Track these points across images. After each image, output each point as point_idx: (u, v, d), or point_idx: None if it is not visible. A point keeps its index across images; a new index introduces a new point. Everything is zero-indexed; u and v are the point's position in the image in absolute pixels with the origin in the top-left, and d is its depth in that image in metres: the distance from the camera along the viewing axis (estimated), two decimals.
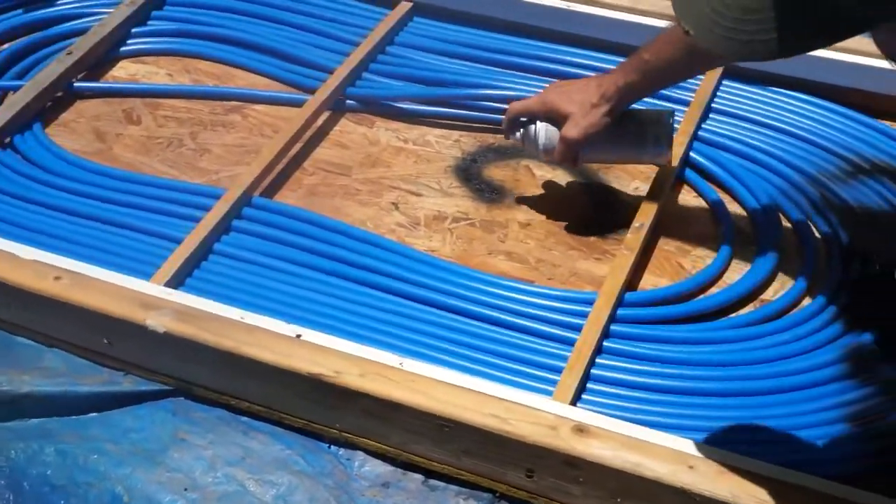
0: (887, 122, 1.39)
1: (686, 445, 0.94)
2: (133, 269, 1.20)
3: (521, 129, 1.25)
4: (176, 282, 1.19)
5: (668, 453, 0.93)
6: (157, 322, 1.08)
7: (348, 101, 1.48)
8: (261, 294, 1.20)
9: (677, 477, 0.92)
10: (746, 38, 0.68)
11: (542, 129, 1.22)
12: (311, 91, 1.47)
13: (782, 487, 0.91)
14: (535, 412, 0.98)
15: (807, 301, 1.18)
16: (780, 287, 1.20)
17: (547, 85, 1.29)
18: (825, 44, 0.67)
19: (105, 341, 1.13)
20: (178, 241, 1.24)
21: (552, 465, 0.96)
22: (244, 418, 1.12)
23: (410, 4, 1.59)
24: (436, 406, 0.99)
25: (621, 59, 1.36)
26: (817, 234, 1.25)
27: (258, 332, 1.06)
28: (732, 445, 0.99)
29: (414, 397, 1.00)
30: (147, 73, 1.56)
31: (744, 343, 1.12)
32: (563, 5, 1.52)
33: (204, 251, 1.24)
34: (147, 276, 1.19)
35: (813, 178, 1.30)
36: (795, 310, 1.17)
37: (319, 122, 1.44)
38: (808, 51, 0.67)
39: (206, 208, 1.28)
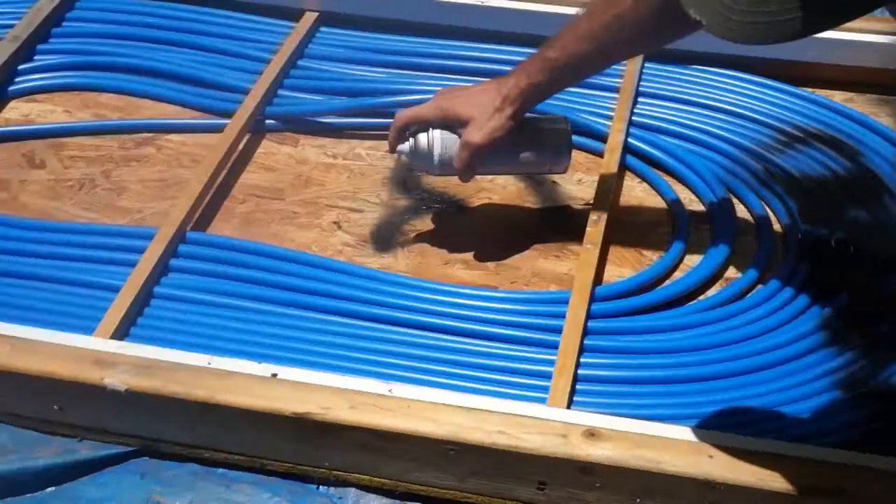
0: (810, 90, 1.40)
1: (700, 435, 0.92)
2: (70, 325, 1.11)
3: (410, 140, 1.15)
4: (120, 333, 1.11)
5: (686, 446, 0.91)
6: (116, 380, 1.00)
7: (268, 121, 1.41)
8: (213, 335, 1.13)
9: (700, 468, 0.90)
10: (767, 19, 0.65)
11: (438, 137, 1.13)
12: (227, 115, 1.39)
13: (803, 463, 0.90)
14: (542, 422, 0.94)
15: (769, 275, 1.17)
16: (741, 263, 1.20)
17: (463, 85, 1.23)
18: (849, 18, 0.65)
19: (55, 408, 1.04)
20: (114, 290, 1.15)
21: (566, 474, 0.93)
22: (221, 470, 1.05)
23: (316, 14, 1.53)
24: (438, 430, 0.94)
25: (531, 51, 1.35)
26: (767, 208, 1.25)
27: (231, 378, 1.00)
28: (735, 428, 0.97)
29: (413, 424, 0.95)
30: (42, 113, 1.46)
31: (719, 324, 1.12)
32: (478, 1, 1.48)
33: (144, 297, 1.16)
34: (88, 331, 1.10)
35: (752, 152, 1.31)
36: (760, 286, 1.16)
37: (240, 146, 1.37)
38: (832, 28, 0.65)
39: (139, 250, 1.19)
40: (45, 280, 1.17)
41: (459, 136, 1.12)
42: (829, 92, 1.42)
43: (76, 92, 1.49)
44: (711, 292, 1.17)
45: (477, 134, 1.10)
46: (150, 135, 1.41)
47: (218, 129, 1.39)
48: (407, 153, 1.16)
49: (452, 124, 1.12)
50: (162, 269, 1.18)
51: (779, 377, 1.06)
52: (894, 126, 1.36)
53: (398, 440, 0.95)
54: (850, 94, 1.42)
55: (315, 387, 0.98)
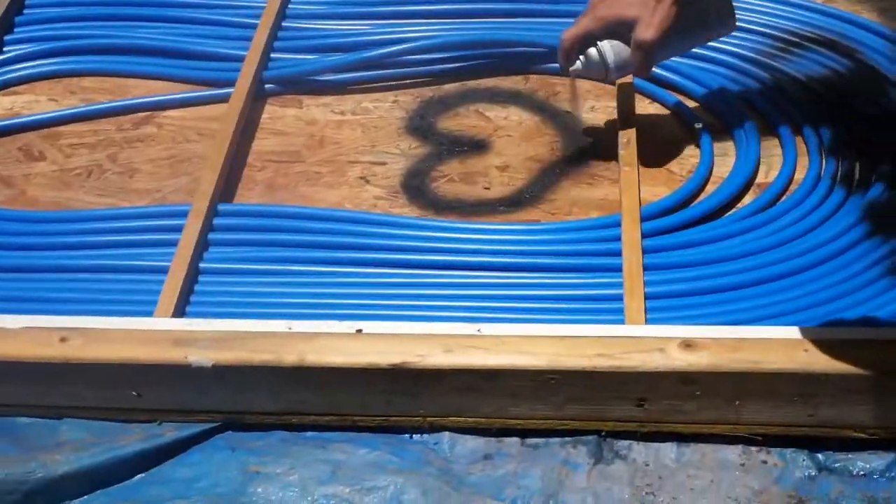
0: None
1: (790, 332, 0.96)
2: (127, 312, 1.08)
3: (581, 58, 1.16)
4: (179, 313, 1.09)
5: (780, 343, 0.94)
6: (201, 357, 0.98)
7: (268, 86, 1.39)
8: (268, 303, 1.12)
9: (798, 363, 0.93)
10: None
11: (608, 47, 1.15)
12: (224, 84, 1.37)
13: (893, 346, 0.93)
14: (637, 340, 0.96)
15: (802, 177, 1.21)
16: (770, 169, 1.23)
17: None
18: None
19: (134, 394, 1.02)
20: (162, 271, 1.12)
21: (667, 387, 0.95)
22: (310, 433, 1.04)
23: None
24: (538, 362, 0.95)
25: None
26: (777, 110, 1.28)
27: (317, 339, 0.99)
28: (812, 322, 1.01)
29: (512, 359, 0.96)
30: (27, 104, 1.40)
31: (767, 227, 1.15)
32: None
33: (193, 274, 1.13)
34: (146, 315, 1.07)
35: (755, 61, 1.34)
36: (794, 187, 1.20)
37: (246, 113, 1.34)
38: None
39: (177, 229, 1.17)
40: (89, 271, 1.14)
41: (626, 39, 1.12)
42: None
43: (57, 79, 1.44)
44: (747, 200, 1.20)
45: (647, 31, 1.10)
46: (146, 113, 1.37)
47: (217, 99, 1.36)
48: (581, 71, 1.17)
49: (617, 29, 1.13)
50: (204, 244, 1.16)
51: (833, 271, 1.09)
52: (877, 19, 1.40)
53: (498, 377, 0.96)
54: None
55: (403, 336, 0.98)
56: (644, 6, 1.10)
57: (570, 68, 1.17)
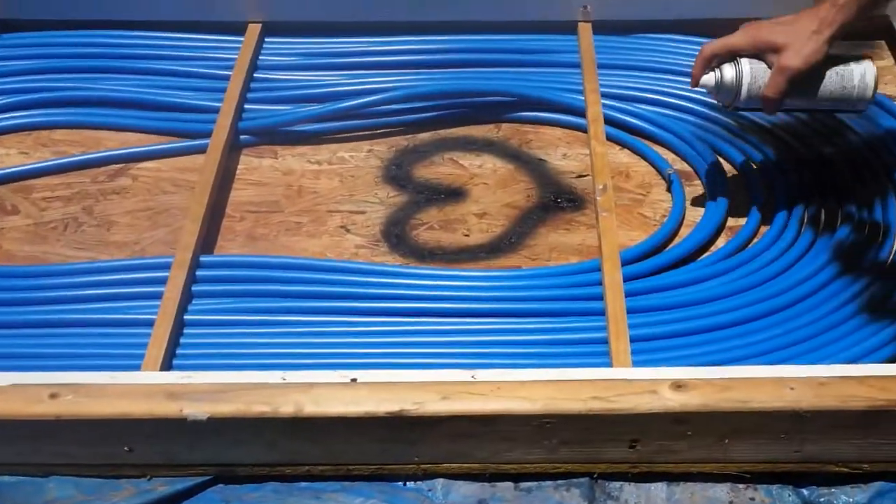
0: None
1: (776, 371, 0.98)
2: (113, 366, 1.07)
3: (717, 71, 1.11)
4: (166, 366, 1.09)
5: (767, 382, 0.97)
6: (196, 410, 0.97)
7: (243, 137, 1.39)
8: (254, 354, 1.12)
9: (786, 401, 0.96)
10: None
11: (747, 66, 1.10)
12: (199, 135, 1.37)
13: (873, 380, 0.97)
14: (629, 383, 0.98)
15: (771, 219, 1.25)
16: (740, 213, 1.27)
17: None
18: None
19: (125, 449, 1.01)
20: (147, 324, 1.12)
21: (660, 428, 0.97)
22: (303, 484, 1.04)
23: (259, 26, 1.52)
24: (533, 407, 0.97)
25: (489, 37, 1.44)
26: (743, 156, 1.33)
27: (313, 389, 0.99)
28: (791, 360, 1.05)
29: (508, 404, 0.97)
30: None
31: (742, 269, 1.19)
32: None
33: (179, 326, 1.13)
34: (134, 368, 1.07)
35: (718, 108, 1.38)
36: (765, 228, 1.24)
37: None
38: None
39: (160, 281, 1.16)
40: (71, 325, 1.14)
41: (769, 65, 1.09)
42: None
43: (27, 132, 1.43)
44: (720, 243, 1.23)
45: (795, 58, 1.06)
46: (121, 166, 1.37)
47: (193, 151, 1.37)
48: (712, 85, 1.12)
49: (764, 51, 1.09)
50: (188, 295, 1.16)
51: (809, 309, 1.13)
52: None
53: (495, 423, 0.97)
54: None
55: (399, 384, 0.99)
56: (799, 35, 1.06)
57: (703, 80, 1.12)
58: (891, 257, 1.19)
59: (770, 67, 1.09)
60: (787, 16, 1.09)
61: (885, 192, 1.25)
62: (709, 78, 1.12)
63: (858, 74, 1.11)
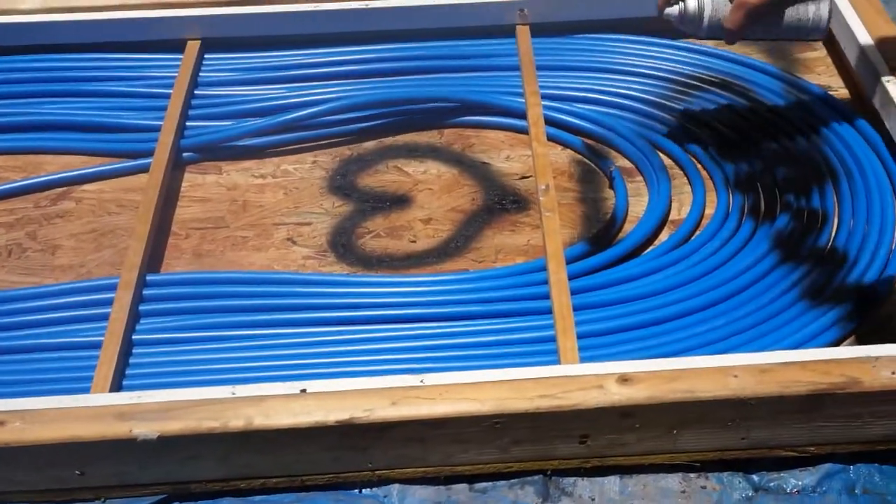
0: (686, 41, 1.51)
1: (720, 360, 1.00)
2: (63, 390, 1.07)
3: (680, 3, 1.18)
4: (116, 387, 1.08)
5: (712, 372, 0.99)
6: (146, 429, 0.97)
7: (186, 154, 1.39)
8: (205, 370, 1.12)
9: (730, 389, 0.97)
10: None
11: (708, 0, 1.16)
12: (141, 155, 1.37)
13: (815, 365, 0.99)
14: (575, 379, 0.99)
15: (711, 210, 1.27)
16: (681, 205, 1.29)
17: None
18: None
19: (77, 473, 1.01)
20: (95, 346, 1.12)
21: (608, 422, 0.99)
22: (258, 497, 1.04)
23: (198, 42, 1.52)
24: (483, 408, 0.98)
25: (430, 44, 1.46)
26: (683, 150, 1.35)
27: (263, 402, 0.99)
28: (736, 349, 1.07)
29: (457, 406, 0.98)
30: None
31: (685, 261, 1.20)
32: (361, 5, 1.51)
33: (127, 347, 1.13)
34: (83, 392, 1.07)
35: (658, 105, 1.40)
36: (706, 222, 1.25)
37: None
38: None
39: (105, 303, 1.16)
40: (19, 352, 1.13)
41: None
42: (703, 41, 1.53)
43: None
44: (664, 236, 1.25)
45: None
46: (63, 189, 1.36)
47: (136, 170, 1.37)
48: (675, 16, 1.18)
49: None
50: (135, 315, 1.15)
51: (751, 298, 1.15)
52: (767, 60, 1.49)
53: (445, 425, 0.98)
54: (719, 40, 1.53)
55: (348, 392, 0.99)
56: None
57: (667, 10, 1.19)
58: (829, 244, 1.21)
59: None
60: None
61: (823, 181, 1.27)
62: (673, 9, 1.18)
63: (813, 8, 1.16)
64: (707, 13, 1.16)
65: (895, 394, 0.98)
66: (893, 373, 0.98)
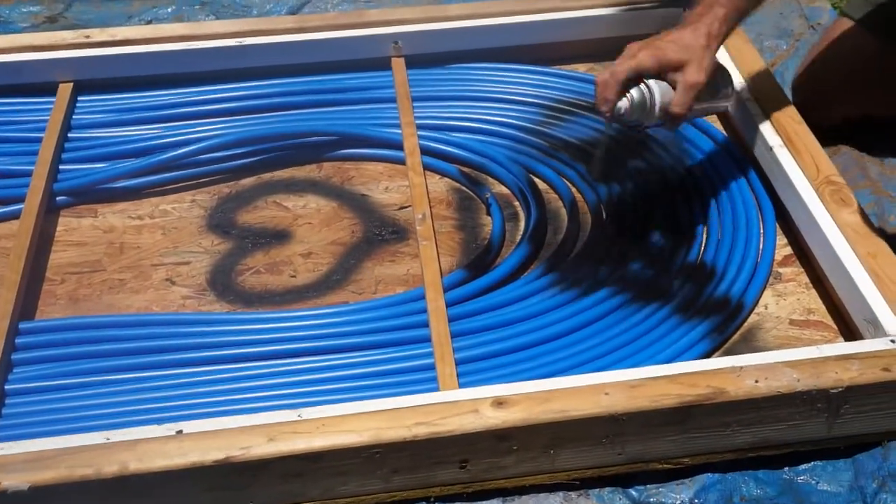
0: (559, 67, 1.55)
1: (591, 379, 1.02)
2: None
3: (628, 95, 1.13)
4: None
5: (583, 391, 1.01)
6: (16, 481, 0.95)
7: (59, 198, 1.37)
8: (81, 417, 1.10)
9: (602, 407, 0.99)
10: None
11: (655, 87, 1.12)
12: (9, 201, 1.35)
13: (683, 378, 1.02)
14: (451, 405, 1.00)
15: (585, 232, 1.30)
16: (557, 229, 1.32)
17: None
18: None
19: None
20: None
21: (486, 446, 1.00)
22: None
23: (71, 85, 1.50)
24: (360, 439, 0.98)
25: (306, 79, 1.48)
26: (556, 173, 1.38)
27: (137, 446, 0.98)
28: (611, 367, 1.09)
29: (335, 439, 0.98)
30: None
31: (560, 285, 1.22)
32: (235, 42, 1.51)
33: None
34: None
35: (531, 130, 1.43)
36: (580, 243, 1.28)
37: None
38: None
39: None
40: None
41: (670, 83, 1.12)
42: (573, 66, 1.57)
43: None
44: (541, 261, 1.27)
45: (699, 73, 1.10)
46: None
47: (7, 217, 1.34)
48: (626, 108, 1.13)
49: (667, 70, 1.12)
50: (7, 365, 1.13)
51: (623, 318, 1.18)
52: None
53: (324, 458, 0.98)
54: (590, 65, 1.58)
55: (225, 431, 0.99)
56: (694, 51, 1.11)
57: (618, 105, 1.13)
58: (699, 258, 1.24)
59: (671, 85, 1.12)
60: (667, 34, 1.14)
61: (690, 198, 1.32)
62: (624, 102, 1.13)
63: (721, 78, 1.19)
64: (657, 102, 1.13)
65: (760, 402, 1.01)
66: (757, 381, 1.01)
